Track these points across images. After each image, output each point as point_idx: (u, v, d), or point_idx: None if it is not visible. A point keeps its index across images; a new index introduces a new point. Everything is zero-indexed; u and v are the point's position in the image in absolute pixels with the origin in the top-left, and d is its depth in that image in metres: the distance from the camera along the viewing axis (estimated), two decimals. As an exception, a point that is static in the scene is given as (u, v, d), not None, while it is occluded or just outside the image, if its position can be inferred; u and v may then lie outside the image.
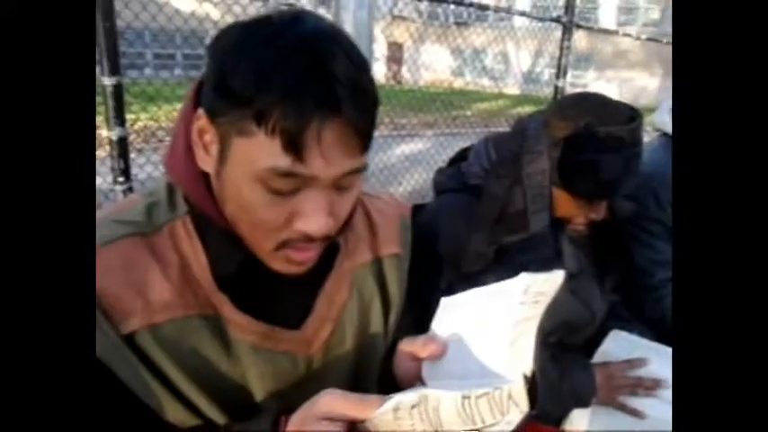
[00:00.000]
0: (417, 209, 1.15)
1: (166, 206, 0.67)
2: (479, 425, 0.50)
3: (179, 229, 0.66)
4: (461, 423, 0.50)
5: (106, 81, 1.97)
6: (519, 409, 0.50)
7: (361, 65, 0.59)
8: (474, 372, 0.57)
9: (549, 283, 0.58)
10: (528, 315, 0.58)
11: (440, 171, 1.28)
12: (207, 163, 0.62)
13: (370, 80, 0.60)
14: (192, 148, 0.63)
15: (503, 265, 1.10)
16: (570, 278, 1.15)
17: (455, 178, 1.20)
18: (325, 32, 0.59)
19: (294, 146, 0.55)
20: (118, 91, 2.00)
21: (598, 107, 1.07)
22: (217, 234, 0.66)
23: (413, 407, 0.51)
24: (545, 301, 0.59)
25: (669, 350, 1.21)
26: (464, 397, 0.50)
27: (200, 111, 0.61)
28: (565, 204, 1.11)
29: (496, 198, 1.10)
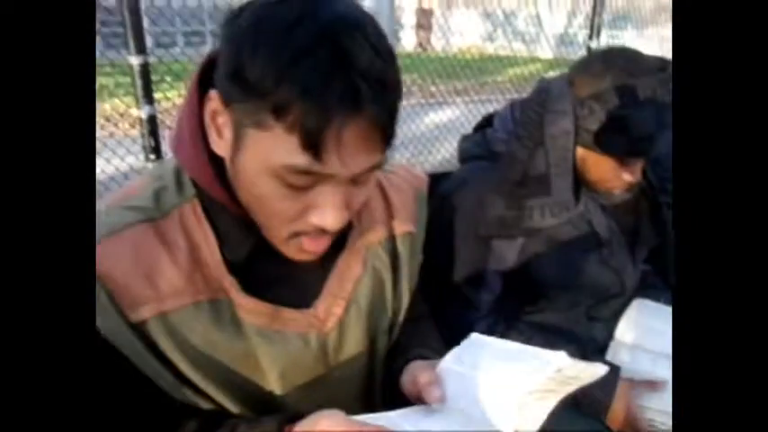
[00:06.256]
0: (442, 177, 1.10)
1: (174, 190, 0.65)
2: None
3: (188, 214, 0.64)
4: None
5: (133, 60, 1.97)
6: None
7: (386, 57, 0.54)
8: (476, 417, 0.55)
9: (586, 373, 0.55)
10: (551, 389, 0.55)
11: (465, 138, 1.22)
12: (220, 147, 0.60)
13: (396, 73, 0.56)
14: (198, 131, 0.60)
15: (528, 235, 1.05)
16: (600, 246, 1.09)
17: (480, 145, 1.15)
18: (349, 20, 0.53)
19: (313, 145, 0.52)
20: (145, 70, 2.01)
21: (625, 60, 0.99)
22: (227, 218, 0.63)
23: None
24: (574, 386, 0.56)
25: None
26: None
27: (214, 92, 0.57)
28: (597, 166, 1.04)
29: (519, 161, 1.04)
